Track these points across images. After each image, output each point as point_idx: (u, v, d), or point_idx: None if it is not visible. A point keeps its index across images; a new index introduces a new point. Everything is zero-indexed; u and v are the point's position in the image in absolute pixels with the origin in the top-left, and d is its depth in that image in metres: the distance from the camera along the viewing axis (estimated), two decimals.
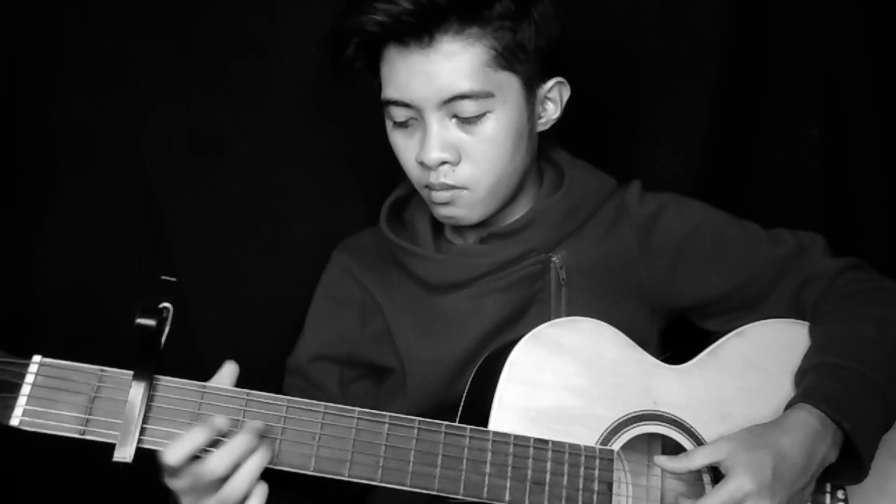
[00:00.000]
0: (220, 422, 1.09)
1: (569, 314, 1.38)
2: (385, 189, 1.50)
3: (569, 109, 1.40)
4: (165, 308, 1.08)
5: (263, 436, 1.11)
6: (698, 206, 1.46)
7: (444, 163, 1.31)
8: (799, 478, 1.19)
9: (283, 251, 1.61)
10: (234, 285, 1.60)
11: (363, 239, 1.53)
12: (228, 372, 1.16)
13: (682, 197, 1.47)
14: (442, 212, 1.38)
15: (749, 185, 1.64)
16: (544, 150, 1.46)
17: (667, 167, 1.62)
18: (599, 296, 1.40)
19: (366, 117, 1.42)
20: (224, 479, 1.09)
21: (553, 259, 1.41)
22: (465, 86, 1.28)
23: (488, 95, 1.29)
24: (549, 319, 1.31)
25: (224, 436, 1.09)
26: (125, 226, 1.58)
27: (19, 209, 1.56)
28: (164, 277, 1.11)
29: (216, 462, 1.08)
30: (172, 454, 1.07)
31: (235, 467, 1.09)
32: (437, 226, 1.46)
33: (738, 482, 1.16)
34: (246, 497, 1.10)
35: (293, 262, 1.59)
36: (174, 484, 1.10)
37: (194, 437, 1.07)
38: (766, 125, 1.64)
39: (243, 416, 1.12)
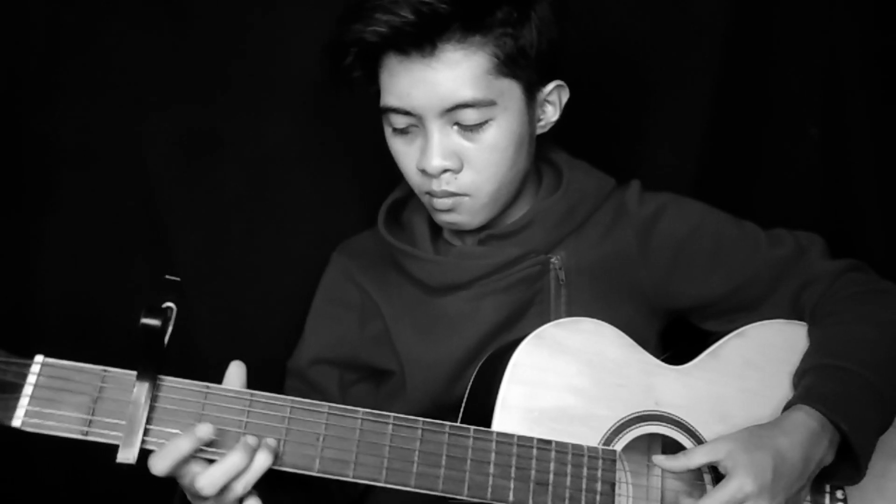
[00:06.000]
0: (204, 431, 1.07)
1: (568, 315, 1.37)
2: (384, 190, 1.50)
3: (568, 109, 1.39)
4: (169, 308, 1.08)
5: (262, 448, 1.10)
6: (698, 207, 1.46)
7: (445, 170, 1.30)
8: (797, 479, 1.19)
9: (283, 251, 1.60)
10: (233, 285, 1.60)
11: (362, 240, 1.53)
12: (236, 373, 1.15)
13: (682, 197, 1.47)
14: (444, 218, 1.37)
15: (749, 185, 1.65)
16: (542, 151, 1.45)
17: (666, 167, 1.62)
18: (599, 296, 1.40)
19: (365, 118, 1.41)
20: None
21: (552, 260, 1.40)
22: (467, 94, 1.27)
23: (490, 103, 1.28)
24: (548, 320, 1.31)
25: (210, 444, 1.09)
26: (126, 226, 1.58)
27: (21, 208, 1.55)
28: (167, 276, 1.10)
29: (205, 482, 1.07)
30: (157, 464, 1.07)
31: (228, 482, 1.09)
32: (436, 227, 1.46)
33: (740, 482, 1.16)
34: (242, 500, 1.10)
35: (293, 263, 1.59)
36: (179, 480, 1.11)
37: (178, 447, 1.07)
38: (766, 125, 1.64)
39: (247, 417, 1.11)
